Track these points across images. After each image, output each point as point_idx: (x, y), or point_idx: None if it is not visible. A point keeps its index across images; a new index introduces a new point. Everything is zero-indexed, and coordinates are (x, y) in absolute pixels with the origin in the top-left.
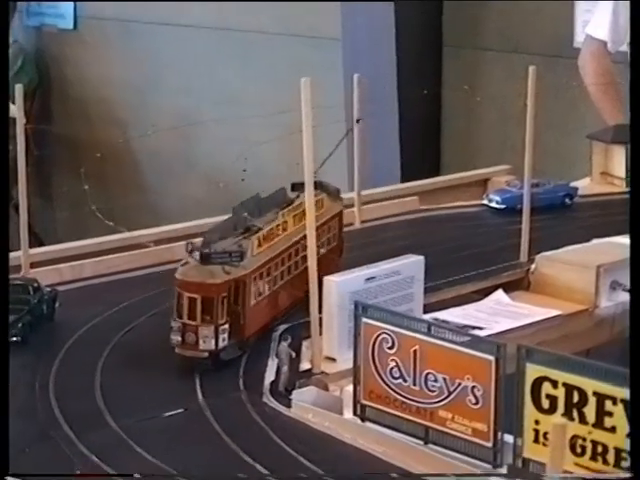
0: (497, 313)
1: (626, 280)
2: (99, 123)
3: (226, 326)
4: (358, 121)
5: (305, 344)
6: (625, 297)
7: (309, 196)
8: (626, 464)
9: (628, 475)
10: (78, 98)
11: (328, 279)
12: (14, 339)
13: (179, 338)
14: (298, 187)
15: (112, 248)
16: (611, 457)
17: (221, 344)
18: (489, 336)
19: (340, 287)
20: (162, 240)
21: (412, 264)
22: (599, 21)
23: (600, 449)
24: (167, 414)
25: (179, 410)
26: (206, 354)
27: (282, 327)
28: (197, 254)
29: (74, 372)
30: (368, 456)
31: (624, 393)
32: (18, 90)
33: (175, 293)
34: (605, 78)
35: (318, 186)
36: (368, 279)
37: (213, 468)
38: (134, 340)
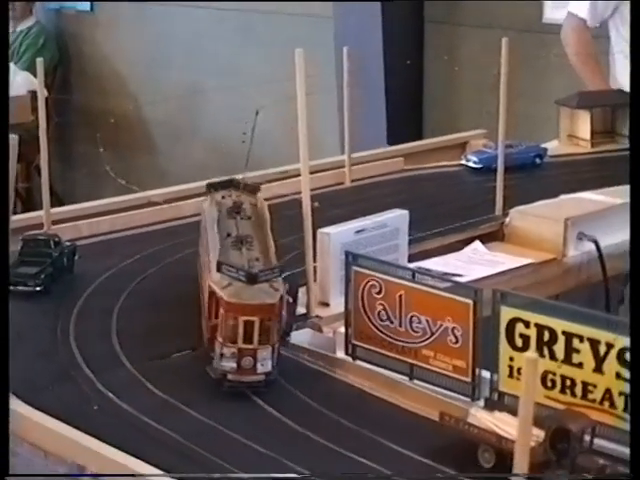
0: (475, 262)
1: (591, 231)
2: (113, 95)
3: (278, 344)
4: (257, 113)
5: (301, 291)
6: (590, 247)
7: (303, 155)
8: (593, 396)
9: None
10: (94, 73)
11: (321, 232)
12: (37, 289)
13: (234, 365)
14: (214, 186)
15: (125, 207)
16: (579, 390)
17: (274, 363)
18: (468, 282)
19: (333, 239)
20: (170, 199)
21: (397, 218)
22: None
23: (569, 383)
24: (176, 354)
25: (187, 351)
26: (263, 377)
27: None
28: (242, 274)
29: (92, 318)
30: (358, 391)
31: (590, 332)
32: (39, 64)
33: (223, 318)
34: (585, 50)
35: (235, 185)
36: (358, 231)
37: (216, 403)
38: (147, 288)
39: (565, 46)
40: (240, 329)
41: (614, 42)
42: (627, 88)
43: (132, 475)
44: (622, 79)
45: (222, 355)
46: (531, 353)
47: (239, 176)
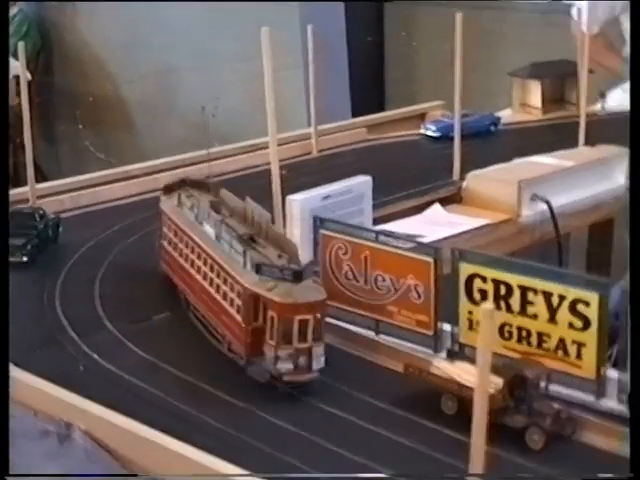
0: (435, 223)
1: (544, 193)
2: (93, 77)
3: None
4: (203, 108)
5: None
6: (543, 207)
7: (271, 128)
8: (547, 345)
9: (628, 475)
10: (75, 57)
11: (290, 199)
12: (24, 259)
13: (290, 366)
14: (167, 189)
15: (106, 181)
16: (534, 340)
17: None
18: (428, 243)
19: (301, 205)
20: (148, 172)
21: (362, 183)
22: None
23: (524, 333)
24: (155, 317)
25: (165, 313)
26: (317, 374)
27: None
28: (289, 273)
29: (76, 285)
30: (327, 346)
31: (543, 285)
32: (21, 47)
33: (276, 320)
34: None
35: (189, 184)
36: (325, 197)
37: (196, 360)
38: (127, 256)
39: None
40: (295, 329)
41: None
42: None
43: (135, 475)
44: None
45: (277, 358)
46: (487, 305)
47: (212, 150)
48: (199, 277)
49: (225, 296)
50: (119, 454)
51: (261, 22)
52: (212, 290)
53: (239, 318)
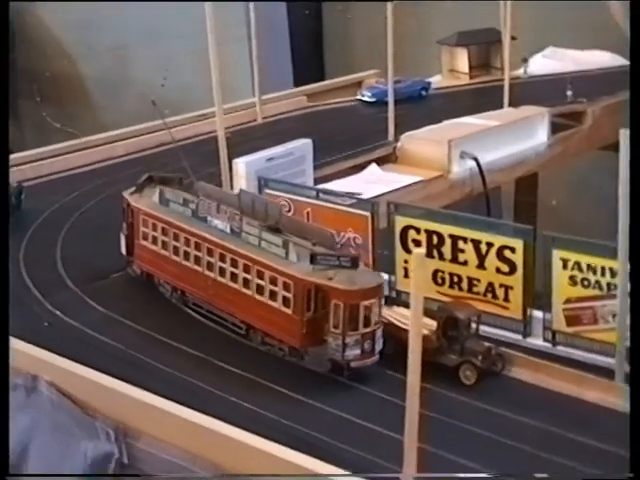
0: (372, 182)
1: (472, 150)
2: (52, 56)
3: None
4: (154, 103)
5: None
6: (472, 164)
7: (217, 98)
8: (477, 289)
9: (628, 475)
10: (36, 38)
11: (236, 161)
12: None
13: (357, 351)
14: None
15: (65, 152)
16: (465, 284)
17: None
18: (366, 199)
19: (247, 167)
20: (104, 142)
21: (303, 146)
22: None
23: (456, 279)
24: (113, 275)
25: (122, 272)
26: (378, 356)
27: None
28: (346, 260)
29: (39, 248)
30: None
31: (472, 234)
32: None
33: (342, 308)
34: None
35: (156, 181)
36: (269, 159)
37: (146, 313)
38: (86, 219)
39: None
40: (361, 315)
41: None
42: None
43: (142, 475)
44: None
45: (346, 345)
46: (418, 250)
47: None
48: (210, 273)
49: (261, 289)
50: (82, 402)
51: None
52: (235, 285)
53: (287, 310)
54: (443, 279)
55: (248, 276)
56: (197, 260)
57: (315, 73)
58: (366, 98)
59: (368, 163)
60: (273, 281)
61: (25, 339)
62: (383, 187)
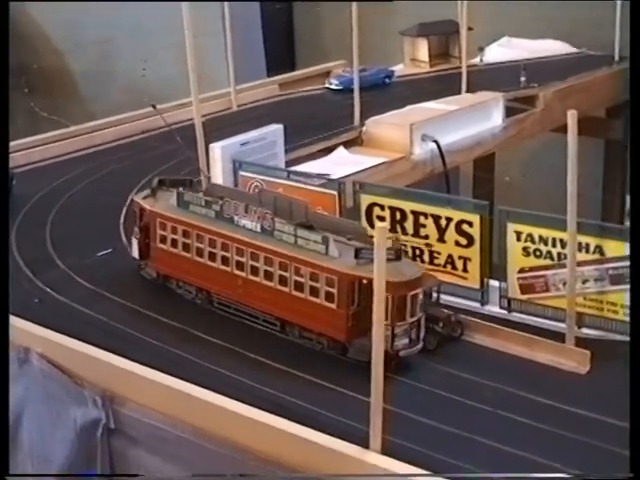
0: (340, 164)
1: (432, 133)
2: (44, 52)
3: None
4: (154, 106)
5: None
6: (432, 146)
7: (194, 87)
8: (438, 261)
9: (628, 475)
10: (27, 35)
11: (212, 146)
12: None
13: (406, 340)
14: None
15: (54, 140)
16: (426, 257)
17: None
18: (333, 179)
19: (222, 151)
20: (92, 131)
21: (274, 131)
22: None
23: (418, 252)
24: (100, 254)
25: (109, 250)
26: (422, 343)
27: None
28: (391, 253)
29: (30, 229)
30: None
31: (432, 209)
32: None
33: (390, 299)
34: None
35: (168, 184)
36: (243, 144)
37: (137, 290)
38: (73, 203)
39: None
40: (408, 305)
41: None
42: None
43: (135, 475)
44: None
45: (395, 335)
46: (380, 224)
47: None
48: (241, 273)
49: (299, 286)
50: (71, 372)
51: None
52: (270, 283)
53: (331, 305)
54: (406, 252)
55: (285, 273)
56: (225, 260)
57: (287, 64)
58: (333, 86)
59: (336, 146)
60: (314, 277)
61: (17, 314)
62: (350, 168)
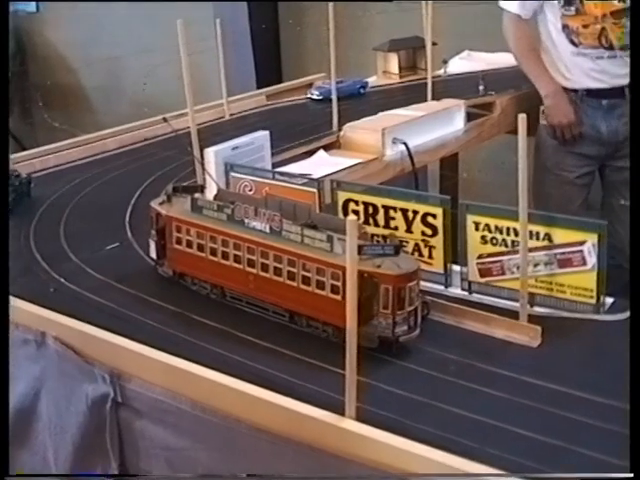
0: (320, 164)
1: (402, 136)
2: (59, 70)
3: None
4: (165, 119)
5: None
6: (402, 148)
7: (189, 99)
8: (406, 250)
9: (628, 475)
10: (43, 55)
11: (207, 150)
12: None
13: (405, 327)
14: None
15: (68, 147)
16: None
17: None
18: (314, 178)
19: (215, 155)
20: (101, 139)
21: (262, 137)
22: None
23: (389, 242)
24: (108, 247)
25: (116, 244)
26: (419, 329)
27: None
28: (390, 249)
29: (46, 226)
30: None
31: (401, 204)
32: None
33: (391, 291)
34: (524, 43)
35: (181, 190)
36: (234, 148)
37: (143, 279)
38: (85, 202)
39: (507, 40)
40: (407, 295)
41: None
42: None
43: (142, 475)
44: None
45: (396, 323)
46: (351, 217)
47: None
48: (252, 269)
49: (307, 280)
50: (84, 353)
51: (183, 18)
52: (279, 278)
53: (336, 297)
54: (378, 242)
55: (293, 269)
56: (237, 259)
57: (274, 77)
58: (314, 96)
59: (317, 149)
60: (320, 272)
61: (35, 302)
62: (329, 169)
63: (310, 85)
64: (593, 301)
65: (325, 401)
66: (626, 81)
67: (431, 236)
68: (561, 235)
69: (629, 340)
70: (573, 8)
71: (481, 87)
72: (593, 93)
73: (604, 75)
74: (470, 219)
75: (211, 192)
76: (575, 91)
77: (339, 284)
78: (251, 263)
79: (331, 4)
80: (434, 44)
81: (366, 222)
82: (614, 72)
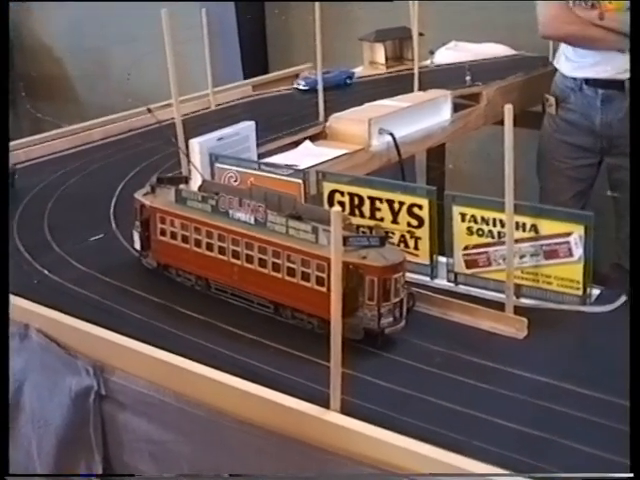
0: (306, 155)
1: (388, 127)
2: (44, 61)
3: None
4: (149, 110)
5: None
6: (388, 138)
7: (174, 89)
8: (392, 241)
9: (628, 475)
10: (30, 47)
11: (192, 141)
12: None
13: (391, 319)
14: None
15: (52, 138)
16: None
17: None
18: (299, 169)
19: (200, 145)
20: (85, 129)
21: (247, 127)
22: None
23: (375, 233)
24: (92, 238)
25: (100, 235)
26: (405, 322)
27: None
28: (375, 240)
29: (29, 218)
30: None
31: (387, 195)
32: None
33: (377, 283)
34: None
35: (165, 182)
36: (219, 139)
37: (125, 271)
38: (69, 193)
39: (554, 36)
40: (392, 287)
41: None
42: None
43: (132, 475)
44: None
45: (381, 314)
46: (335, 208)
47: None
48: (237, 261)
49: (292, 272)
50: (67, 345)
51: (169, 7)
52: (264, 270)
53: (322, 288)
54: (364, 232)
55: (278, 261)
56: (221, 250)
57: (260, 67)
58: (301, 87)
59: (303, 140)
60: (305, 263)
61: (18, 294)
62: (315, 159)
63: (296, 75)
64: (579, 293)
65: (310, 393)
66: (627, 75)
67: (417, 227)
68: (547, 226)
69: (629, 341)
70: (589, 3)
71: (468, 78)
72: (591, 82)
73: (608, 66)
74: (456, 210)
75: (196, 183)
76: (574, 79)
77: (324, 276)
78: (236, 254)
79: (317, 3)
80: (421, 34)
81: (352, 213)
82: (619, 65)
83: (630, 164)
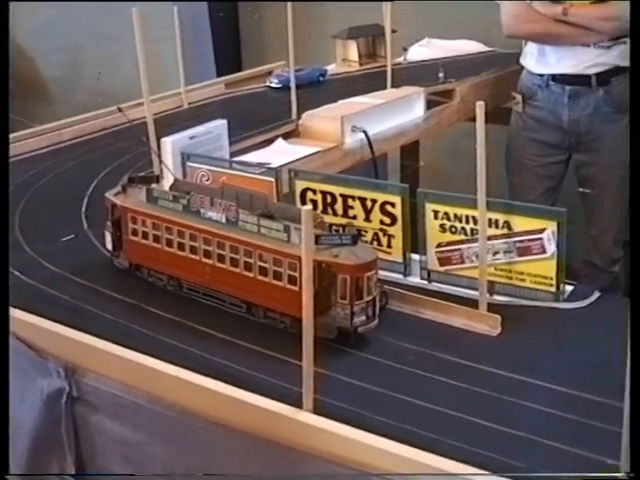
0: (279, 153)
1: (361, 124)
2: (16, 60)
3: None
4: (120, 109)
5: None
6: (361, 136)
7: (145, 88)
8: (365, 239)
9: (628, 475)
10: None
11: (163, 140)
12: None
13: (363, 317)
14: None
15: (23, 138)
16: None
17: None
18: (272, 167)
19: (172, 144)
20: (57, 129)
21: (219, 125)
22: None
23: (347, 231)
24: (64, 239)
25: (72, 236)
26: (377, 320)
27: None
28: (347, 238)
29: None
30: None
31: (359, 192)
32: None
33: (349, 281)
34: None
35: (137, 181)
36: (191, 137)
37: (91, 270)
38: (40, 194)
39: (518, 35)
40: (365, 285)
41: None
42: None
43: (133, 475)
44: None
45: (354, 313)
46: (306, 207)
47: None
48: (208, 260)
49: (264, 271)
50: (38, 347)
51: (140, 5)
52: (236, 269)
53: (294, 287)
54: (337, 231)
55: (250, 260)
56: (193, 249)
57: (234, 65)
58: (273, 84)
59: (275, 138)
60: (277, 262)
61: None
62: (288, 157)
63: (269, 73)
64: (553, 289)
65: (282, 393)
66: (594, 70)
67: (390, 225)
68: (520, 223)
69: (629, 340)
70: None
71: (441, 75)
72: (558, 79)
73: (572, 61)
74: (429, 207)
75: (168, 182)
76: (541, 75)
77: (296, 274)
78: (207, 254)
79: (289, 2)
80: (394, 31)
81: (324, 211)
82: (585, 59)
83: (630, 164)
